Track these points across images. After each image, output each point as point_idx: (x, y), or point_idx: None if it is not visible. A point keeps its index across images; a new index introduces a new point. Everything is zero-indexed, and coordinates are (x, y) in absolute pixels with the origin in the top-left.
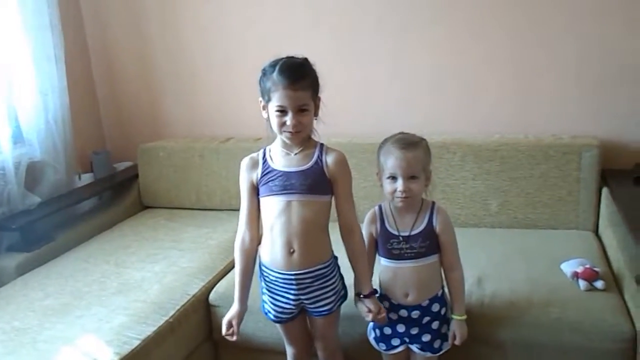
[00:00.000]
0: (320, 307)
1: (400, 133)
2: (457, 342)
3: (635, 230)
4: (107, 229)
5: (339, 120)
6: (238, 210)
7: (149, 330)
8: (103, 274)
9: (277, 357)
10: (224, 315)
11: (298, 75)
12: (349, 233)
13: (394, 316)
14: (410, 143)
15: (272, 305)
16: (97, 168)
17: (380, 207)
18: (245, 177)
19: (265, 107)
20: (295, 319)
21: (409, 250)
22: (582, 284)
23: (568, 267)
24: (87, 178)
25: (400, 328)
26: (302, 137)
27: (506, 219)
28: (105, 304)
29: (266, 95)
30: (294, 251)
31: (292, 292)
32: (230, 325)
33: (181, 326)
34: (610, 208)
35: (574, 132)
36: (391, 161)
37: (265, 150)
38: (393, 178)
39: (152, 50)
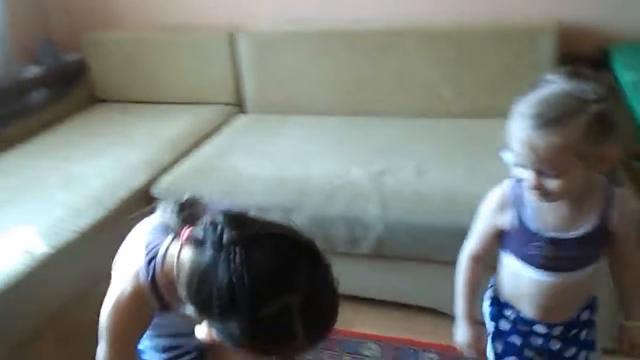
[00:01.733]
0: None
1: (551, 81)
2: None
3: None
4: (56, 124)
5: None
6: (193, 103)
7: (85, 222)
8: (46, 169)
9: None
10: None
11: None
12: None
13: (524, 328)
14: (550, 120)
15: None
16: (44, 59)
17: (514, 187)
18: None
19: None
20: None
21: (556, 261)
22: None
23: (508, 155)
24: (33, 70)
25: (536, 341)
26: None
27: (461, 107)
28: (44, 199)
29: None
30: None
31: None
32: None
33: (122, 219)
34: None
35: (533, 14)
36: (516, 141)
37: None
38: (526, 165)
39: None
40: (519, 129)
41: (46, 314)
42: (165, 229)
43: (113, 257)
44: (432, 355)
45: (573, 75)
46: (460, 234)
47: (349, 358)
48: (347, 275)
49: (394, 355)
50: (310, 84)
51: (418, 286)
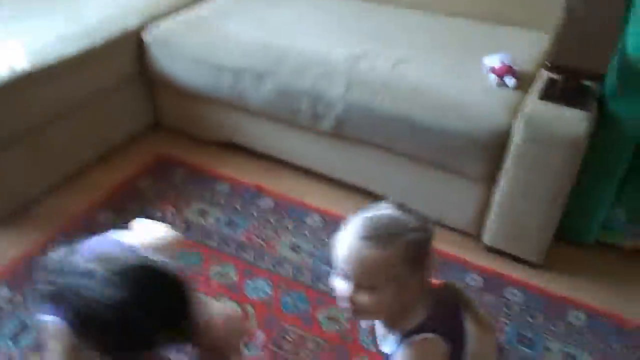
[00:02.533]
0: None
1: (382, 207)
2: None
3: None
4: None
5: None
6: None
7: (69, 51)
8: None
9: (207, 104)
10: (155, 55)
11: None
12: None
13: None
14: (378, 236)
15: None
16: None
17: None
18: None
19: None
20: None
21: None
22: (494, 78)
23: (489, 62)
24: None
25: None
26: None
27: (472, 9)
28: (36, 26)
29: None
30: None
31: None
32: None
33: (106, 55)
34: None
35: None
36: (344, 252)
37: None
38: (345, 276)
39: None
40: (350, 241)
41: (22, 127)
42: None
43: (90, 91)
44: None
45: (399, 206)
46: (418, 128)
47: (291, 223)
48: (306, 149)
49: (333, 229)
50: None
51: (370, 171)
